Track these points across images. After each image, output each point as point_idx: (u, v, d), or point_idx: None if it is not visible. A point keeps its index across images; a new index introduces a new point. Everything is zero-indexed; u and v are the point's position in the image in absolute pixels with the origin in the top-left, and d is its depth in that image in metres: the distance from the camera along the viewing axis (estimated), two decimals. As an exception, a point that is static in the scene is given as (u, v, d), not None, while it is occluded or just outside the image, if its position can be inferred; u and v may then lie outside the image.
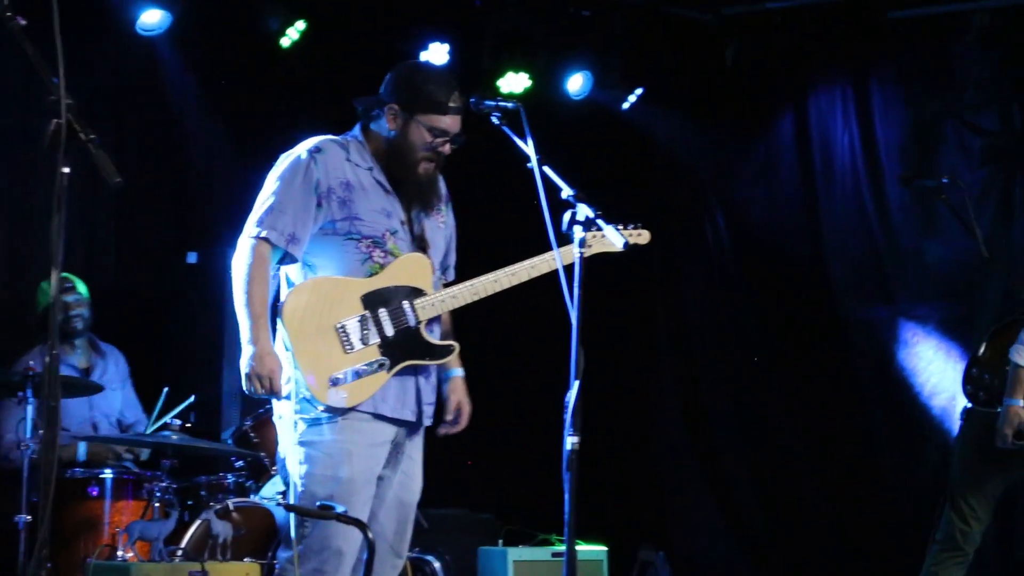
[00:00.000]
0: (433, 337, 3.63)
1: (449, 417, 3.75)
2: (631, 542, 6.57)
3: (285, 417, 3.60)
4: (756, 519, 7.19)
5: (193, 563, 4.59)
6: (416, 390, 3.63)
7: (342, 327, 3.52)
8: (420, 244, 3.70)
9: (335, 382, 3.52)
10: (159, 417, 5.60)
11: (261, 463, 5.44)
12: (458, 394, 3.76)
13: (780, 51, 7.06)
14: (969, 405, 5.04)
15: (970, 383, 5.12)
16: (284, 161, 3.63)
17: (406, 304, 3.58)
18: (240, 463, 5.24)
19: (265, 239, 3.49)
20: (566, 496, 3.13)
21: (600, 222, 3.25)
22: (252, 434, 5.40)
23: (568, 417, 3.13)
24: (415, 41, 6.17)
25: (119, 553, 4.80)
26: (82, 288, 5.73)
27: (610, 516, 6.04)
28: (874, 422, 6.93)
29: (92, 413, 5.78)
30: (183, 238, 6.42)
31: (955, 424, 5.84)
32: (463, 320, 3.86)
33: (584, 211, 3.23)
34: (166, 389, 5.55)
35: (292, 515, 3.56)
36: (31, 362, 5.34)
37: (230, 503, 4.99)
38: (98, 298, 6.03)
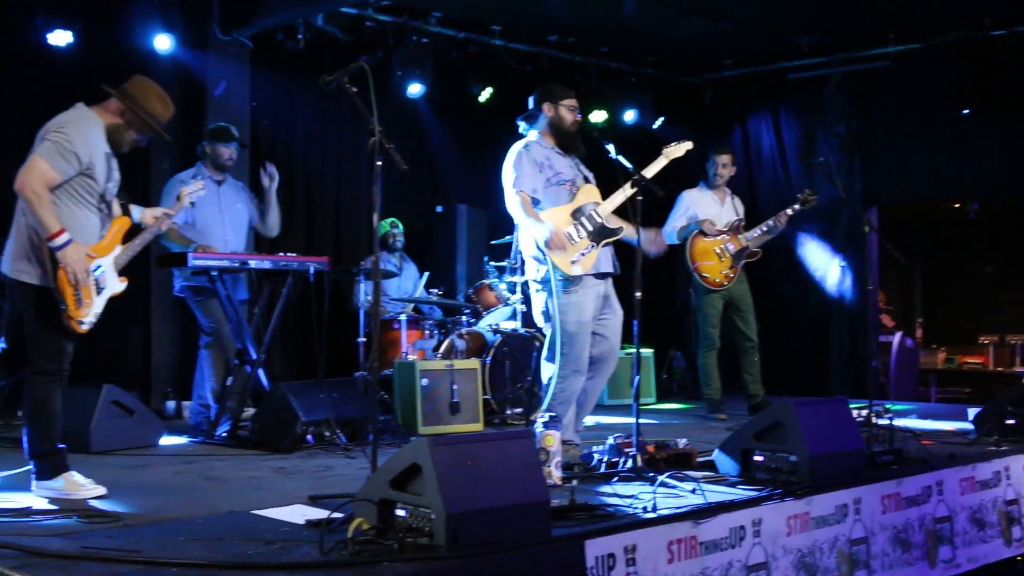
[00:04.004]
0: (610, 224, 4.42)
1: (651, 239, 4.44)
2: (663, 347, 8.33)
3: (544, 288, 4.31)
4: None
5: (446, 359, 5.58)
6: (612, 254, 4.43)
7: (567, 231, 4.30)
8: (587, 179, 4.53)
9: (574, 261, 4.23)
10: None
11: (478, 310, 6.79)
12: (649, 234, 4.40)
13: (734, 96, 8.82)
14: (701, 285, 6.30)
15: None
16: (513, 154, 4.39)
17: (592, 212, 4.36)
18: (467, 310, 6.65)
19: (521, 191, 4.40)
20: (635, 322, 3.88)
21: (650, 187, 4.11)
22: (473, 296, 6.95)
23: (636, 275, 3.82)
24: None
25: (409, 357, 5.84)
26: (400, 226, 7.40)
27: (652, 333, 6.41)
28: (788, 285, 8.60)
29: (401, 290, 7.23)
30: (433, 197, 8.29)
31: (827, 286, 8.14)
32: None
33: (645, 177, 4.18)
34: (427, 273, 6.96)
35: (558, 337, 4.15)
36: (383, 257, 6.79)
37: (463, 330, 6.27)
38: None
